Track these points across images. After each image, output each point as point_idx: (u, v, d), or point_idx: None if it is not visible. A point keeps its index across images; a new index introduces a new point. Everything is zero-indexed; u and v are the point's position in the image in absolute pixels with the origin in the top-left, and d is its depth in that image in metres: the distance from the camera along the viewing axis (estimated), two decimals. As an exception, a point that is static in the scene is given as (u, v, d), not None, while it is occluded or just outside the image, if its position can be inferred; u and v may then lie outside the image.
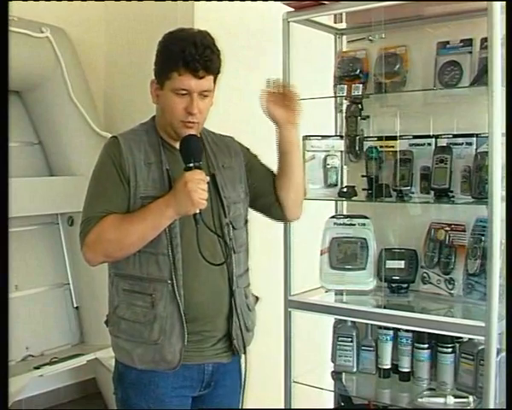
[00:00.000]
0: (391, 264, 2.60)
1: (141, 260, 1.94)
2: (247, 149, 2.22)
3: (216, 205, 2.00)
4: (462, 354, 2.40)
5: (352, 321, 2.67)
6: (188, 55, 1.87)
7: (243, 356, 2.07)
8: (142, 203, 1.91)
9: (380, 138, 2.65)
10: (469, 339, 2.36)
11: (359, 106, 2.73)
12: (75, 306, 4.17)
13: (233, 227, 2.04)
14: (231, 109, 3.66)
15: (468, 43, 2.41)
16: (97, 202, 1.93)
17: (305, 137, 2.69)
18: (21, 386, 3.52)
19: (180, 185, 1.84)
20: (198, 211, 1.86)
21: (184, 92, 1.90)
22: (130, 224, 1.89)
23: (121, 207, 1.92)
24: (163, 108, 1.97)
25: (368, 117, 2.73)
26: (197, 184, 1.83)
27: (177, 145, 1.98)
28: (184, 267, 1.93)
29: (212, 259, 1.94)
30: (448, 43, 2.47)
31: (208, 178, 1.89)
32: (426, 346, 2.49)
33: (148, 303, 1.92)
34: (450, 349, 2.42)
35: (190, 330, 1.93)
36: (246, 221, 2.16)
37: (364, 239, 2.64)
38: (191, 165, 1.87)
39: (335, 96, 2.74)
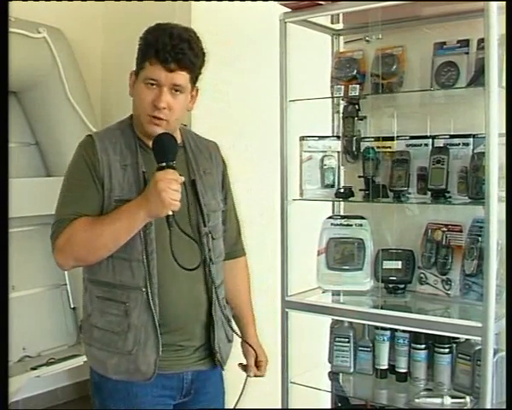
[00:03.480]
0: (388, 264, 2.59)
1: (114, 267, 1.86)
2: (226, 167, 2.14)
3: (195, 213, 1.93)
4: (459, 355, 2.39)
5: (348, 322, 2.67)
6: (160, 44, 1.81)
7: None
8: (116, 207, 1.83)
9: (377, 139, 2.64)
10: (466, 339, 2.36)
11: (356, 106, 2.72)
12: (72, 306, 4.17)
13: (212, 237, 1.97)
14: (227, 109, 3.66)
15: (465, 43, 2.41)
16: (69, 203, 1.86)
17: (302, 138, 2.69)
18: (18, 387, 3.52)
19: (151, 186, 1.76)
20: (171, 213, 1.78)
21: (153, 83, 1.83)
22: (101, 226, 1.81)
23: (93, 209, 1.85)
24: (134, 99, 1.90)
25: (365, 118, 2.73)
26: (168, 184, 1.74)
27: None
28: (159, 275, 1.86)
29: (189, 266, 1.85)
30: (445, 43, 2.47)
31: (183, 179, 1.80)
32: (423, 346, 2.48)
33: (121, 312, 1.85)
34: (447, 350, 2.42)
35: (167, 341, 1.87)
36: (224, 230, 2.09)
37: (361, 240, 2.64)
38: (163, 164, 1.78)
39: (332, 97, 2.74)
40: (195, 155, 2.02)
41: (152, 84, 1.84)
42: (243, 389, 2.08)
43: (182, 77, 1.85)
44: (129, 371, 1.86)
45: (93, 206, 1.85)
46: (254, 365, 2.13)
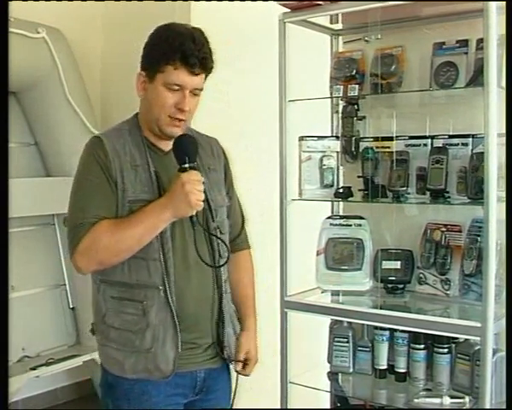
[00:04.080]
0: (387, 264, 2.59)
1: (130, 266, 1.88)
2: (228, 162, 2.17)
3: (202, 209, 1.92)
4: (459, 355, 2.39)
5: (348, 322, 2.67)
6: (187, 49, 1.82)
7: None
8: (130, 207, 1.86)
9: (376, 139, 2.64)
10: (465, 339, 2.36)
11: (355, 106, 2.72)
12: (71, 307, 4.17)
13: (220, 232, 2.00)
14: (227, 109, 3.66)
15: (464, 43, 2.41)
16: (87, 206, 1.86)
17: (302, 138, 2.69)
18: (18, 387, 3.52)
19: (177, 187, 1.80)
20: (195, 213, 1.83)
21: (177, 88, 1.85)
22: (126, 228, 1.83)
23: (111, 211, 1.86)
24: (150, 101, 1.91)
25: (364, 118, 2.73)
26: (194, 186, 1.79)
27: (162, 146, 1.95)
28: (175, 273, 1.89)
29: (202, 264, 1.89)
30: (444, 43, 2.47)
31: (204, 179, 1.85)
32: (422, 346, 2.48)
33: (139, 311, 1.87)
34: (446, 350, 2.42)
35: (183, 338, 1.89)
36: (229, 225, 2.11)
37: (360, 240, 2.64)
38: (186, 166, 1.83)
39: (331, 97, 2.74)
40: (199, 151, 2.03)
41: (175, 88, 1.86)
42: (235, 388, 2.06)
43: (202, 79, 1.90)
44: (148, 369, 1.88)
45: (111, 207, 1.86)
46: (243, 362, 2.07)
